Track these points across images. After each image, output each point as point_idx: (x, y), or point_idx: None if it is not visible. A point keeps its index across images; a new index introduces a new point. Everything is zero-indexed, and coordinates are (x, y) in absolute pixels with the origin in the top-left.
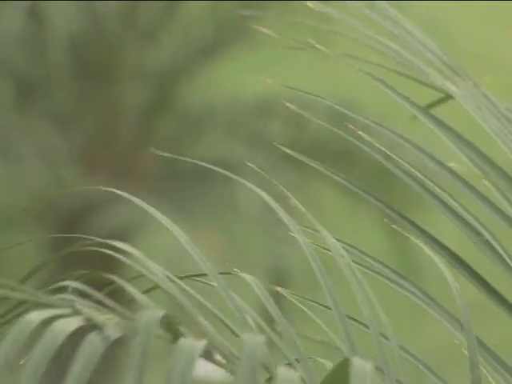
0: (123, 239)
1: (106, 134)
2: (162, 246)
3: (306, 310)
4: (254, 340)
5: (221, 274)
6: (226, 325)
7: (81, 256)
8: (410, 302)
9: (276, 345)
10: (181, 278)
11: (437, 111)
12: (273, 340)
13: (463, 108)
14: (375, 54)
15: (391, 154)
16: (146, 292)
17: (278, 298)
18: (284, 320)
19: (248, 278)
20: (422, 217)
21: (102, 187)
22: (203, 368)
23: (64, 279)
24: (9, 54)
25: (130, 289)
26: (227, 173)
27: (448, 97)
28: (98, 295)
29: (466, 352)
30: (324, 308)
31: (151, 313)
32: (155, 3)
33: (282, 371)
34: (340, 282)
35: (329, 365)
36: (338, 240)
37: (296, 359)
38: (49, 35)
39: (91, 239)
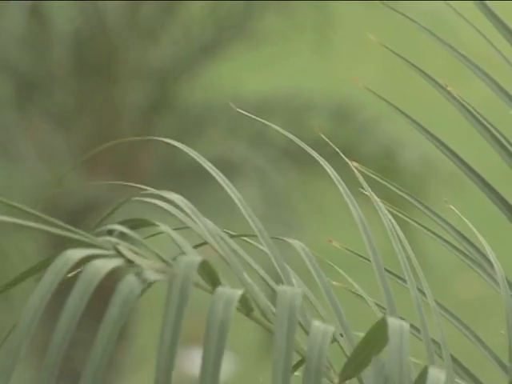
0: (124, 238)
1: (106, 132)
2: (163, 245)
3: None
4: (290, 292)
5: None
6: (267, 283)
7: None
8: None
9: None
10: (230, 237)
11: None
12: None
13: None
14: (375, 53)
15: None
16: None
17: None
18: (326, 282)
19: (295, 243)
20: (423, 214)
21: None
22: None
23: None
24: (10, 52)
25: (177, 237)
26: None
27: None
28: (143, 241)
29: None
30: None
31: (190, 258)
32: (156, 2)
33: (317, 324)
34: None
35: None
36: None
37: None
38: (50, 34)
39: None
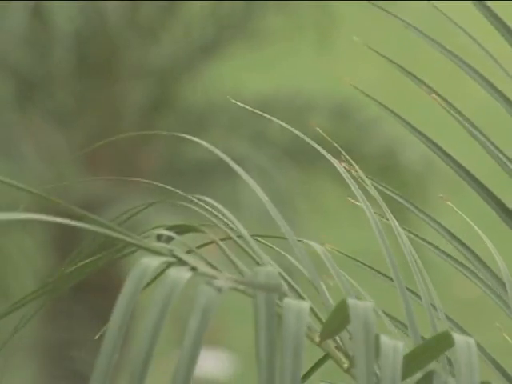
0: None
1: (107, 132)
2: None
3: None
4: (363, 306)
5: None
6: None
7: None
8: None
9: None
10: (260, 236)
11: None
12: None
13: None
14: (376, 52)
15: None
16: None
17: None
18: (347, 282)
19: (315, 245)
20: (422, 214)
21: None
22: (206, 365)
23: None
24: (11, 52)
25: (222, 246)
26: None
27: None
28: (193, 247)
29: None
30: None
31: (269, 269)
32: (156, 2)
33: (386, 340)
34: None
35: None
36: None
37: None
38: (51, 34)
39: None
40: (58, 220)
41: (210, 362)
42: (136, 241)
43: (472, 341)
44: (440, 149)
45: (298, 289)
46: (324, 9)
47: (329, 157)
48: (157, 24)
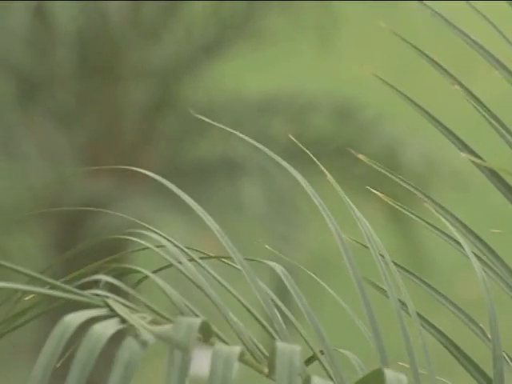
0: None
1: (108, 132)
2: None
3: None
4: (289, 349)
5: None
6: (250, 312)
7: (87, 253)
8: (417, 298)
9: (302, 336)
10: (201, 258)
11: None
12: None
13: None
14: (378, 53)
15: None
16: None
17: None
18: (307, 305)
19: (271, 264)
20: (426, 212)
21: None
22: (206, 365)
23: (88, 273)
24: (13, 52)
25: (162, 284)
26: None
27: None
28: (131, 291)
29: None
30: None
31: (189, 320)
32: (158, 2)
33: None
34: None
35: (352, 356)
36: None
37: (321, 351)
38: (52, 34)
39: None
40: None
41: (201, 361)
42: (68, 294)
43: (403, 377)
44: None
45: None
46: (326, 9)
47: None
48: (158, 24)
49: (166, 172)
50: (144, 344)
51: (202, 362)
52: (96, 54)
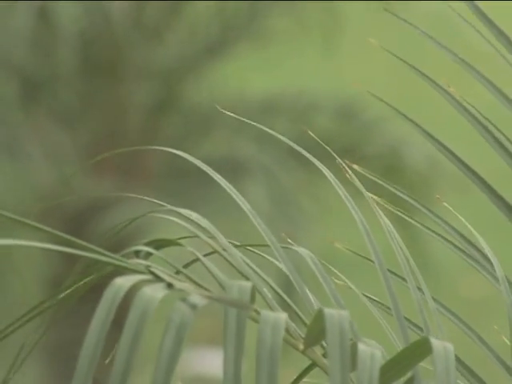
0: (131, 237)
1: (112, 132)
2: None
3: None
4: (338, 315)
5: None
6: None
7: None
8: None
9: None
10: (237, 247)
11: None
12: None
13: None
14: (381, 54)
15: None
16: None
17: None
18: (334, 290)
19: (302, 251)
20: (426, 215)
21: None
22: (207, 364)
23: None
24: (16, 52)
25: (204, 260)
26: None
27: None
28: (171, 262)
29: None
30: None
31: (240, 283)
32: (161, 2)
33: (364, 348)
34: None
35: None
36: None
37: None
38: (55, 34)
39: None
40: (39, 245)
41: (211, 361)
42: (113, 260)
43: (450, 346)
44: (447, 148)
45: (285, 296)
46: (329, 9)
47: (318, 163)
48: (162, 24)
49: (169, 172)
50: (193, 307)
51: (212, 362)
52: (99, 54)
